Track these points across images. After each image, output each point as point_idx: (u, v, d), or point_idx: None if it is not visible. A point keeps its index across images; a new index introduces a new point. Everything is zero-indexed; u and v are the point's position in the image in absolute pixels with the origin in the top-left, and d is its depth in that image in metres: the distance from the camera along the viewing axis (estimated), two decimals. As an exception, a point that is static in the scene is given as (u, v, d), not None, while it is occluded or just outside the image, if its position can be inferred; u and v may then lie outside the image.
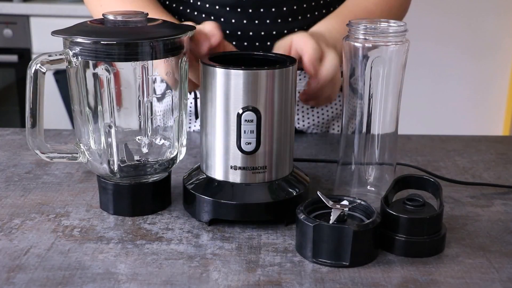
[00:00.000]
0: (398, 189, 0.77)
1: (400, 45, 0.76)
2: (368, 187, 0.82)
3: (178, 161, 0.82)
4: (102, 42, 0.71)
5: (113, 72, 0.74)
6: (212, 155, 0.76)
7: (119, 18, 0.74)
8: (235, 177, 0.75)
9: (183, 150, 0.82)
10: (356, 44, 0.76)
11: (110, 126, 0.76)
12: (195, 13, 1.04)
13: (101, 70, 0.73)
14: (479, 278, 0.66)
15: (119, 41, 0.71)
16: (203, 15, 1.03)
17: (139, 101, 0.78)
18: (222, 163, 0.76)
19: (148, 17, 0.77)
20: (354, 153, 0.81)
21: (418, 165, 0.94)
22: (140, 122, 0.79)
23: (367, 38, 0.75)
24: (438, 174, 0.90)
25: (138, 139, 0.80)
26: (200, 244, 0.72)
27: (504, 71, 2.74)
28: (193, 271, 0.66)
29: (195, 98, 1.10)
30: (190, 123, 1.15)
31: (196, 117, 1.13)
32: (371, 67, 0.76)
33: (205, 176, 0.78)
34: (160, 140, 0.81)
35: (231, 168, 0.75)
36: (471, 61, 2.72)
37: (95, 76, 0.74)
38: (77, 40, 0.71)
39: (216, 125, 0.75)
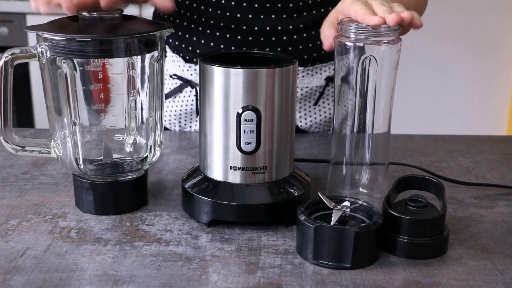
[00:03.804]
0: (400, 190, 0.77)
1: (392, 44, 0.75)
2: (360, 188, 0.81)
3: (151, 160, 0.81)
4: (64, 38, 0.71)
5: (80, 69, 0.73)
6: (212, 155, 0.75)
7: (94, 14, 0.75)
8: (235, 177, 0.74)
9: (158, 150, 0.81)
10: (348, 43, 0.75)
11: (74, 124, 0.75)
12: (202, 7, 1.03)
13: (65, 66, 0.73)
14: (482, 280, 0.65)
15: (80, 38, 0.71)
16: (210, 9, 1.03)
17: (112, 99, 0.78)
18: (222, 164, 0.75)
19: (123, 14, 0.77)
20: (346, 154, 0.80)
21: (421, 165, 0.93)
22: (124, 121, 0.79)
23: (358, 37, 0.74)
24: (440, 174, 0.89)
25: (118, 138, 0.80)
26: (199, 246, 0.71)
27: (508, 70, 2.73)
28: (192, 273, 0.65)
29: (197, 95, 1.10)
30: (191, 122, 1.14)
31: (197, 115, 1.13)
32: (363, 66, 0.75)
33: (204, 176, 0.77)
34: (133, 139, 0.81)
35: (230, 168, 0.74)
36: (475, 60, 2.70)
37: (60, 73, 0.73)
38: (44, 36, 0.72)
39: (216, 125, 0.74)
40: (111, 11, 0.76)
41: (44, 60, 0.74)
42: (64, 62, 0.72)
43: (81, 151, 0.76)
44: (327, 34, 0.81)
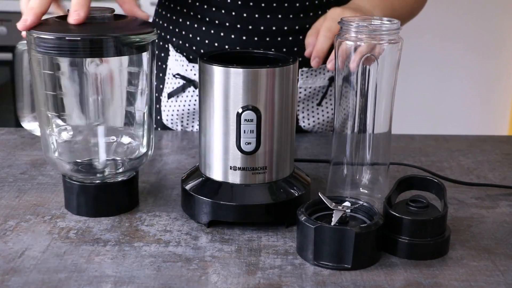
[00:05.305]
0: (401, 190, 0.76)
1: (393, 44, 0.74)
2: (361, 189, 0.81)
3: (142, 162, 0.80)
4: (52, 37, 0.69)
5: (70, 68, 0.73)
6: (211, 155, 0.75)
7: None
8: (235, 177, 0.74)
9: (150, 151, 0.81)
10: (349, 42, 0.75)
11: (63, 124, 0.75)
12: (205, 6, 1.03)
13: (54, 65, 0.72)
14: (484, 281, 0.65)
15: (58, 36, 0.69)
16: (214, 9, 1.02)
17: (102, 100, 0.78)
18: (221, 164, 0.74)
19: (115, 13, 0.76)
20: (346, 154, 0.79)
21: (422, 166, 0.93)
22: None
23: (359, 36, 0.74)
24: (442, 174, 0.89)
25: (109, 139, 0.79)
26: (199, 246, 0.71)
27: (509, 70, 2.72)
28: (192, 274, 0.65)
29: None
30: (193, 122, 1.13)
31: None
32: (364, 66, 0.75)
33: (204, 176, 0.77)
34: (124, 140, 0.80)
35: (230, 168, 0.74)
36: (476, 60, 2.70)
37: (49, 71, 0.73)
38: (33, 35, 0.71)
39: (215, 125, 0.73)
40: (103, 10, 0.74)
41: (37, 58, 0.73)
42: (53, 61, 0.72)
43: (70, 152, 0.76)
44: (310, 41, 0.91)
